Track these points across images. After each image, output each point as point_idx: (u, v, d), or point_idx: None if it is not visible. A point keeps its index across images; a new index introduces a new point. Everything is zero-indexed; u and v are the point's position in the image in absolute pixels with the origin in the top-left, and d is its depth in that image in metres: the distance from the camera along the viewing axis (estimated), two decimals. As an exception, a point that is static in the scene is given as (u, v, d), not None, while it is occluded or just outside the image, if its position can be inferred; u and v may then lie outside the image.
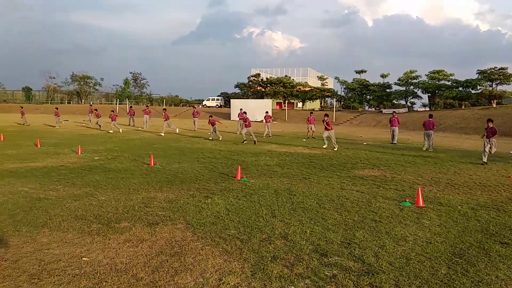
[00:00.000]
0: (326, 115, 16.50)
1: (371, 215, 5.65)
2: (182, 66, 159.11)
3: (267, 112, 22.10)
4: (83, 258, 3.77)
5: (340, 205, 6.25)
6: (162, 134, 19.72)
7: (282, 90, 53.16)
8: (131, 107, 28.51)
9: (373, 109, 47.29)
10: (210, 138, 18.10)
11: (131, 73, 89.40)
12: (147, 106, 28.99)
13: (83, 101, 74.41)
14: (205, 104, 63.44)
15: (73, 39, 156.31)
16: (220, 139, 17.89)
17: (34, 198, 6.13)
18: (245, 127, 17.00)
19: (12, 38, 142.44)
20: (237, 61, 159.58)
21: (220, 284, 3.31)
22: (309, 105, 60.16)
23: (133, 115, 27.60)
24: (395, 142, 17.86)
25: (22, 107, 29.60)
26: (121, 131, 20.71)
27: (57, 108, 28.12)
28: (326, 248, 4.25)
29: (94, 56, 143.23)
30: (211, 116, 18.99)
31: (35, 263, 3.62)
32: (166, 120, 20.71)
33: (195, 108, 27.30)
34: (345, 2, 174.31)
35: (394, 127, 18.05)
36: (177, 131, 21.08)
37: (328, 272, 3.62)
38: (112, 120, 21.48)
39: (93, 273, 3.44)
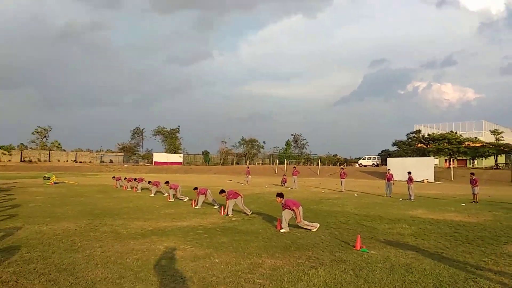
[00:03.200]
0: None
1: (496, 307, 4.66)
2: (341, 125, 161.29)
3: (409, 172, 20.51)
4: (166, 319, 4.18)
5: (462, 290, 5.33)
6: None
7: (447, 147, 48.41)
8: (294, 167, 30.12)
9: None
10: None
11: (292, 135, 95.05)
12: (295, 167, 30.14)
13: (248, 162, 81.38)
14: (360, 164, 62.13)
15: (248, 107, 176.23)
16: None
17: (163, 255, 7.05)
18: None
19: (197, 108, 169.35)
20: (400, 117, 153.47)
21: None
22: (485, 162, 53.04)
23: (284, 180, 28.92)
24: None
25: (248, 167, 37.23)
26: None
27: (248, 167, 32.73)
28: None
29: (263, 121, 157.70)
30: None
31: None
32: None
33: (342, 169, 27.13)
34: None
35: None
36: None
37: None
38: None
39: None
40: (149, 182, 21.64)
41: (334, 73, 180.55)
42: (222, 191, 13.72)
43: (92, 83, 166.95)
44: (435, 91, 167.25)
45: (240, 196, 12.95)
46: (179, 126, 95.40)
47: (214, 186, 28.86)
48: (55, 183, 28.21)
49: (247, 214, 12.74)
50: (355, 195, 22.12)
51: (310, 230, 9.92)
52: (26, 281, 5.44)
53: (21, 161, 77.42)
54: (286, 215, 10.09)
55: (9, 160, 76.07)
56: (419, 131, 56.89)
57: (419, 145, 54.03)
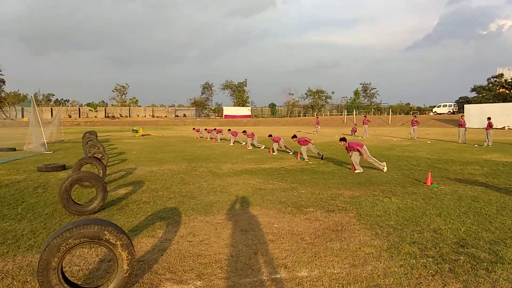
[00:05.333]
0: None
1: (551, 224, 5.44)
2: (415, 72, 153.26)
3: (489, 118, 20.02)
4: (274, 224, 5.59)
5: (524, 213, 6.11)
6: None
7: (533, 91, 44.81)
8: (365, 116, 30.60)
9: None
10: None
11: (361, 84, 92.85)
12: (365, 116, 30.35)
13: (316, 113, 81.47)
14: (435, 111, 59.61)
15: (312, 56, 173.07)
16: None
17: (257, 188, 8.52)
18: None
19: (261, 60, 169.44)
20: (481, 61, 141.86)
21: (357, 250, 4.49)
22: None
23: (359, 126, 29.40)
24: None
25: (317, 117, 39.30)
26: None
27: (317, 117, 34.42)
28: (470, 242, 4.72)
29: (329, 71, 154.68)
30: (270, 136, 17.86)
31: (246, 223, 5.67)
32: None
33: (415, 116, 26.96)
34: None
35: None
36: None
37: (454, 257, 4.24)
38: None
39: (277, 233, 5.19)
40: (229, 130, 23.48)
41: (406, 16, 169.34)
42: (294, 136, 15.01)
43: (158, 40, 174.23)
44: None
45: (310, 143, 14.14)
46: (246, 79, 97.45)
47: (284, 137, 30.29)
48: (142, 135, 31.42)
49: (322, 158, 13.91)
50: (428, 142, 22.22)
51: (380, 169, 10.84)
52: (161, 202, 7.18)
53: (105, 116, 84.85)
54: (355, 158, 11.02)
55: (95, 116, 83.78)
56: (502, 75, 52.73)
57: (501, 90, 50.46)
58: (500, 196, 7.41)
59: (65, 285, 3.08)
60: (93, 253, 4.48)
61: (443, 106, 59.70)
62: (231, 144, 21.57)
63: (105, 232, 3.14)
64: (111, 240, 3.17)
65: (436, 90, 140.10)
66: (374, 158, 11.02)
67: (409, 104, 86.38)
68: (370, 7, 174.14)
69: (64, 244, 3.02)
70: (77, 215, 6.16)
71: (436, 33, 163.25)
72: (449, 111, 57.64)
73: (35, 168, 11.42)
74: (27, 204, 6.96)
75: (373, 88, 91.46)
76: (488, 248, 4.51)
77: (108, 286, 3.21)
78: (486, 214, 6.07)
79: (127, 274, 3.25)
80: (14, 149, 17.27)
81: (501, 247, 4.55)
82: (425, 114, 66.43)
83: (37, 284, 3.65)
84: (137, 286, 3.63)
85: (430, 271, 3.91)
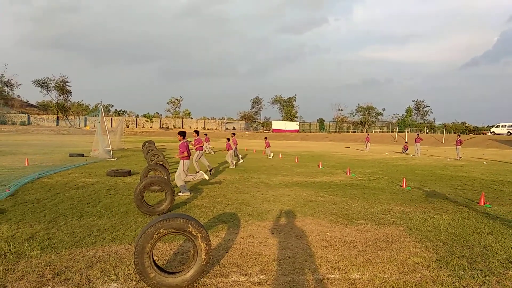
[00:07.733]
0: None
1: None
2: (472, 90, 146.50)
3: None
4: (327, 233, 6.00)
5: None
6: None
7: None
8: (417, 134, 30.04)
9: None
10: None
11: (413, 101, 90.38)
12: (418, 134, 29.72)
13: (366, 129, 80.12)
14: (493, 132, 56.75)
15: (363, 73, 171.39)
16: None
17: (308, 199, 8.94)
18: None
19: (311, 76, 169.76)
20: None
21: (407, 259, 4.80)
22: None
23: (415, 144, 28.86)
24: None
25: (368, 134, 36.66)
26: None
27: (368, 134, 32.91)
28: (520, 260, 4.87)
29: (380, 87, 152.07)
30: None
31: (300, 230, 6.12)
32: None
33: (459, 136, 26.08)
34: None
35: None
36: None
37: (502, 271, 4.44)
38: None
39: (330, 240, 5.60)
40: (265, 138, 24.32)
41: (462, 32, 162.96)
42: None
43: (211, 55, 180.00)
44: None
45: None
46: (295, 94, 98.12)
47: (333, 152, 30.31)
48: (195, 146, 32.75)
49: (210, 171, 12.86)
50: (484, 163, 21.47)
51: (198, 178, 9.50)
52: (221, 207, 7.80)
53: (160, 127, 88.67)
54: (181, 171, 9.43)
55: (151, 127, 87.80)
56: None
57: None
58: (557, 219, 7.31)
59: (155, 268, 3.70)
60: (168, 247, 5.13)
61: (502, 127, 56.69)
62: (270, 157, 22.02)
63: (189, 225, 3.75)
64: (193, 232, 3.77)
65: (494, 109, 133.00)
66: (191, 175, 9.50)
67: (465, 123, 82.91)
68: (424, 23, 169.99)
69: (156, 233, 3.65)
70: (148, 215, 6.91)
71: (495, 49, 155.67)
72: (509, 132, 54.65)
73: (104, 173, 12.58)
74: (104, 204, 7.85)
75: (427, 106, 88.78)
76: (538, 266, 4.65)
77: (188, 271, 3.80)
78: (540, 235, 6.10)
79: (204, 262, 3.83)
80: (83, 155, 18.86)
81: (552, 266, 4.66)
82: (482, 134, 63.48)
83: (131, 266, 4.34)
84: (209, 275, 4.21)
85: (478, 282, 4.16)
